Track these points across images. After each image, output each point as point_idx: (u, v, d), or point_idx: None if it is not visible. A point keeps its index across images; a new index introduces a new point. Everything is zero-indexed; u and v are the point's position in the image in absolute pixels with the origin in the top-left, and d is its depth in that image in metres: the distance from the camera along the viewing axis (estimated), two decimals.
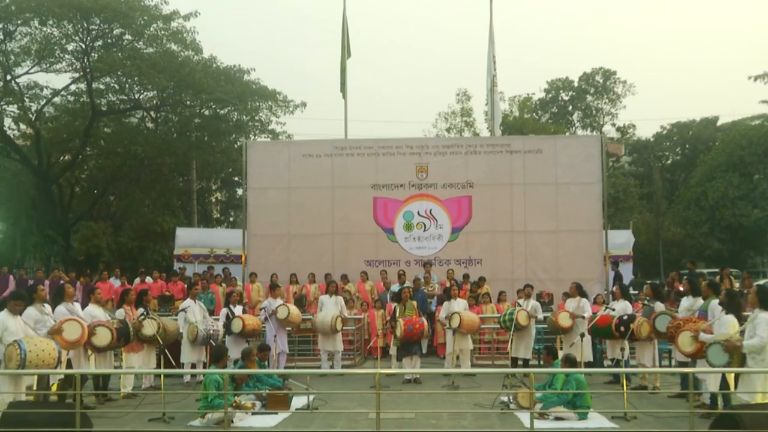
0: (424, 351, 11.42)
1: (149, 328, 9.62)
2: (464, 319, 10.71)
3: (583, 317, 10.84)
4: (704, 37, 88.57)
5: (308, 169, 15.51)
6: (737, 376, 7.59)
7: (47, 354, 7.53)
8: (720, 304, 8.30)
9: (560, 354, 9.93)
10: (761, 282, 22.02)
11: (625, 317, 9.88)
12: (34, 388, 7.91)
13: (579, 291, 11.45)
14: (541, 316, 11.60)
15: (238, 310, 11.33)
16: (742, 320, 7.83)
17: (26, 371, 7.47)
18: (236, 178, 32.38)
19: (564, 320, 10.79)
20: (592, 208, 15.11)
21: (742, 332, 7.56)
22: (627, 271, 18.80)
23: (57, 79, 27.18)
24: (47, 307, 8.51)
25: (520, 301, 11.71)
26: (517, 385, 8.95)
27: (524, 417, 7.78)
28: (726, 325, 7.87)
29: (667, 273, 22.32)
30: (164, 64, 24.13)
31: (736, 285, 17.45)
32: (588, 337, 10.68)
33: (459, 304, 11.26)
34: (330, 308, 11.70)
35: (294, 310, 11.56)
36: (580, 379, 8.23)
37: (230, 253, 19.44)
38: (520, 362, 11.29)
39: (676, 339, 8.37)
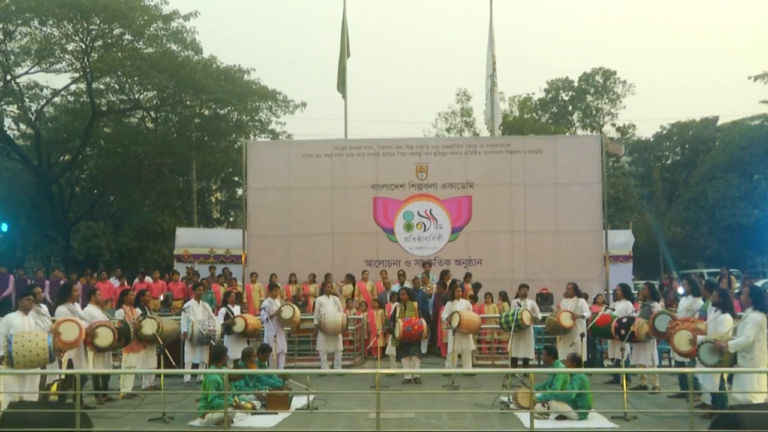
0: (424, 351, 11.41)
1: (148, 327, 9.63)
2: (464, 319, 10.73)
3: (583, 317, 10.88)
4: (704, 37, 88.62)
5: (308, 169, 15.51)
6: (730, 375, 7.62)
7: (35, 352, 7.49)
8: (713, 304, 8.32)
9: (560, 354, 9.93)
10: (761, 282, 22.09)
11: (624, 320, 9.88)
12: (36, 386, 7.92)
13: (575, 291, 11.48)
14: (539, 315, 11.63)
15: (236, 310, 11.32)
16: (736, 319, 7.87)
17: (27, 371, 7.47)
18: (236, 178, 32.33)
19: (566, 320, 10.83)
20: (592, 208, 15.11)
21: (734, 331, 7.60)
22: (627, 271, 18.75)
23: (57, 79, 27.03)
24: (44, 308, 8.57)
25: (518, 300, 11.73)
26: (517, 385, 8.95)
27: (524, 417, 7.78)
28: (723, 324, 7.89)
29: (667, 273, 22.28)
30: (164, 64, 24.11)
31: (737, 285, 17.55)
32: (585, 337, 10.70)
33: (462, 304, 11.26)
34: (331, 308, 11.67)
35: (298, 310, 11.52)
36: (584, 379, 8.23)
37: (230, 253, 19.38)
38: (520, 362, 11.29)
39: (672, 338, 8.37)
